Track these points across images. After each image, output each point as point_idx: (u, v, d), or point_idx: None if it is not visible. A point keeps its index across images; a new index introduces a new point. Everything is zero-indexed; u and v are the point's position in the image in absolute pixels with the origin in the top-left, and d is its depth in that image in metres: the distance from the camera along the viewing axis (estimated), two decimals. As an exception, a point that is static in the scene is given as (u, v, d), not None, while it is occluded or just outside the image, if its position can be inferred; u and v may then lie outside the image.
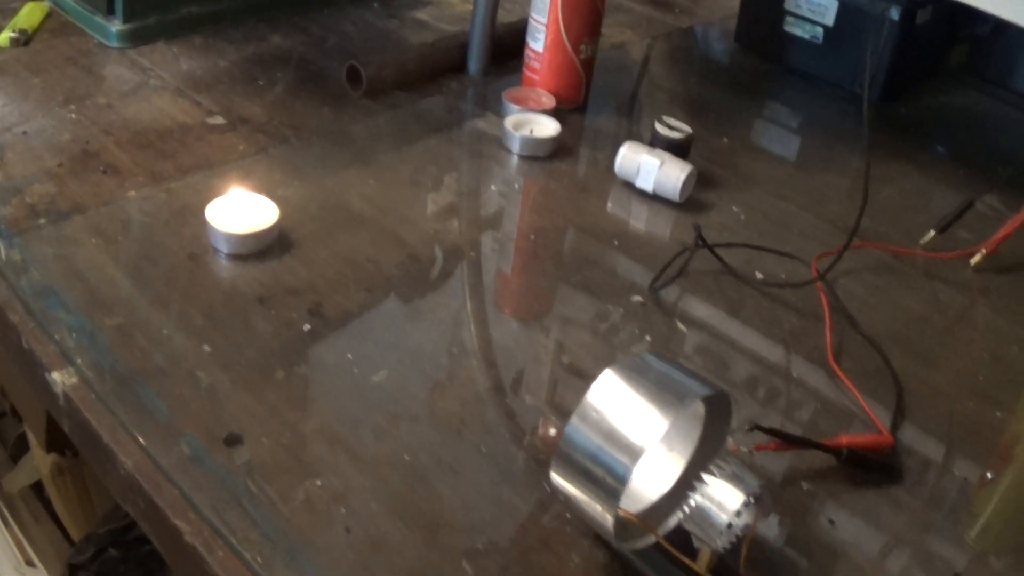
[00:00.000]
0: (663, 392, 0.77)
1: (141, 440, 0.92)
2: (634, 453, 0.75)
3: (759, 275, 1.25)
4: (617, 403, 0.78)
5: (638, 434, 0.75)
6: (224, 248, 1.15)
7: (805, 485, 0.97)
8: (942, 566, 0.92)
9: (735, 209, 1.39)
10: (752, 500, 0.76)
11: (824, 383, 1.11)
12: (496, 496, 0.92)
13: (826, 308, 1.19)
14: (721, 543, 0.77)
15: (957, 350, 1.19)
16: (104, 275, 1.10)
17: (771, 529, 0.92)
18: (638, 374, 0.79)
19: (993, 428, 1.08)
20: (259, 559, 0.83)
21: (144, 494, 0.88)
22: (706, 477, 0.77)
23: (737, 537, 0.77)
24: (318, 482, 0.90)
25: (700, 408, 0.83)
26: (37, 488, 2.00)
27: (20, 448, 2.00)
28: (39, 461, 1.80)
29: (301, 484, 0.90)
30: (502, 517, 0.90)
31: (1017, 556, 0.94)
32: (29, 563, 1.99)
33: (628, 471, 0.75)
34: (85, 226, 1.17)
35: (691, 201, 1.38)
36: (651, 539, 0.82)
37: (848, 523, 0.94)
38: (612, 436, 0.77)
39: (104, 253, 1.13)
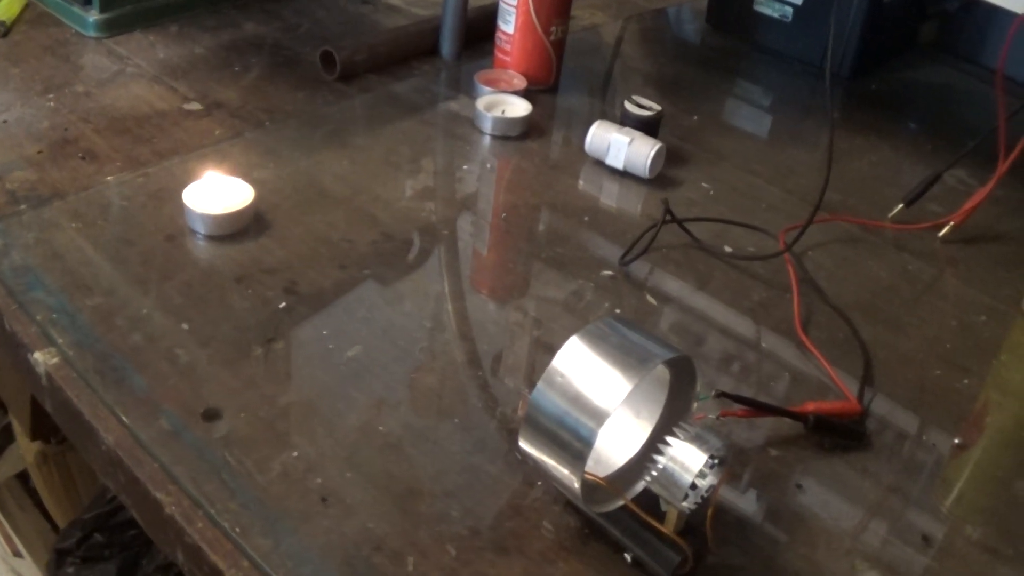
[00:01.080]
0: (627, 356, 0.79)
1: (121, 416, 0.93)
2: (599, 416, 0.77)
3: (728, 248, 1.27)
4: (582, 368, 0.80)
5: (602, 397, 0.77)
6: (201, 229, 1.17)
7: (773, 451, 0.99)
8: (910, 530, 0.94)
9: (704, 184, 1.41)
10: (716, 461, 0.78)
11: (793, 353, 1.13)
12: (469, 465, 0.94)
13: (793, 279, 1.21)
14: (687, 504, 0.79)
15: (925, 319, 1.21)
16: (84, 257, 1.11)
17: (740, 494, 0.94)
18: (602, 340, 0.81)
19: (961, 395, 1.10)
20: (238, 529, 0.85)
21: (125, 468, 0.90)
22: (670, 439, 0.79)
23: (703, 498, 0.79)
24: (294, 453, 0.92)
25: (666, 374, 0.84)
26: (22, 478, 2.01)
27: (5, 440, 2.00)
28: (24, 449, 1.82)
29: (278, 456, 0.92)
30: (475, 485, 0.92)
31: (991, 524, 0.96)
32: (16, 553, 2.02)
33: (593, 434, 0.77)
34: (65, 210, 1.19)
35: (661, 177, 1.40)
36: (619, 502, 0.84)
37: (816, 488, 0.97)
38: (577, 400, 0.79)
39: (83, 236, 1.15)
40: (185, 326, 1.04)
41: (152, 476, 0.89)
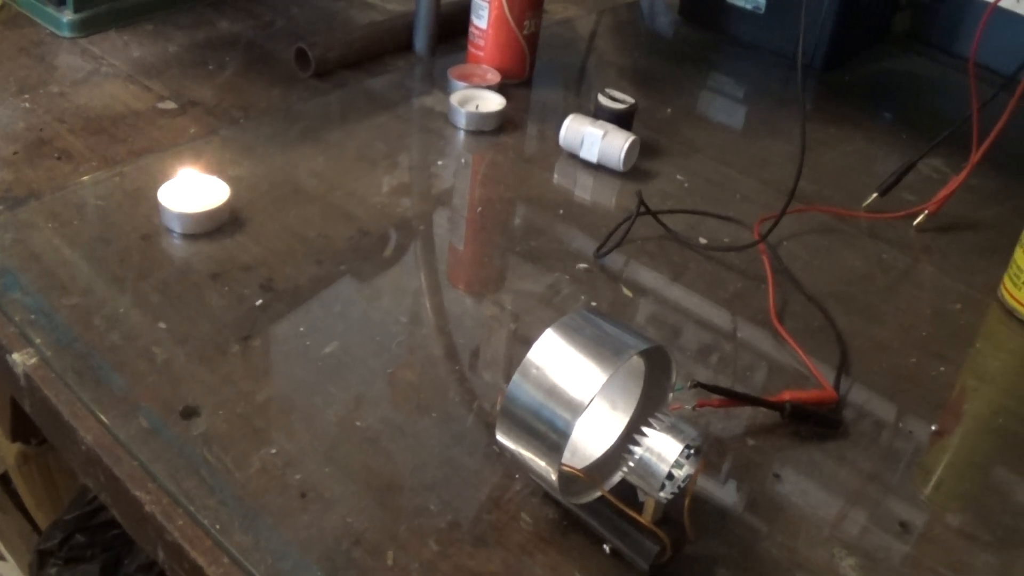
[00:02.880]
0: (602, 348, 0.80)
1: (100, 415, 0.94)
2: (575, 407, 0.77)
3: (702, 240, 1.27)
4: (557, 360, 0.80)
5: (578, 389, 0.78)
6: (177, 228, 1.17)
7: (750, 441, 1.00)
8: (888, 517, 0.95)
9: (679, 176, 1.42)
10: (692, 451, 0.78)
11: (769, 343, 1.13)
12: (447, 458, 0.94)
13: (768, 269, 1.22)
14: (664, 494, 0.79)
15: (900, 307, 1.22)
16: (60, 257, 1.12)
17: (718, 484, 0.94)
18: (577, 332, 0.82)
19: (938, 382, 1.11)
20: (217, 525, 0.85)
21: (104, 467, 0.90)
22: (646, 430, 0.79)
23: (680, 488, 0.79)
24: (273, 450, 0.92)
25: (641, 365, 0.85)
26: (3, 481, 2.00)
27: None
28: (4, 451, 1.81)
29: (256, 452, 0.92)
30: (454, 479, 0.93)
31: (970, 510, 0.97)
32: (0, 558, 1.99)
33: (569, 425, 0.77)
34: (41, 211, 1.19)
35: (635, 170, 1.41)
36: (597, 493, 0.84)
37: (794, 477, 0.97)
38: (553, 392, 0.79)
39: (60, 236, 1.15)
40: (162, 324, 1.04)
41: (131, 474, 0.89)
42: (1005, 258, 1.23)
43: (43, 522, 1.90)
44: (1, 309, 1.04)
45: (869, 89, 1.77)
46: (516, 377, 0.81)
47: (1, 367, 1.01)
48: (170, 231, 1.17)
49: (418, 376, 1.03)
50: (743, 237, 1.28)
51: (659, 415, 0.80)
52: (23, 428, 1.74)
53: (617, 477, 0.86)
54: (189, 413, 0.95)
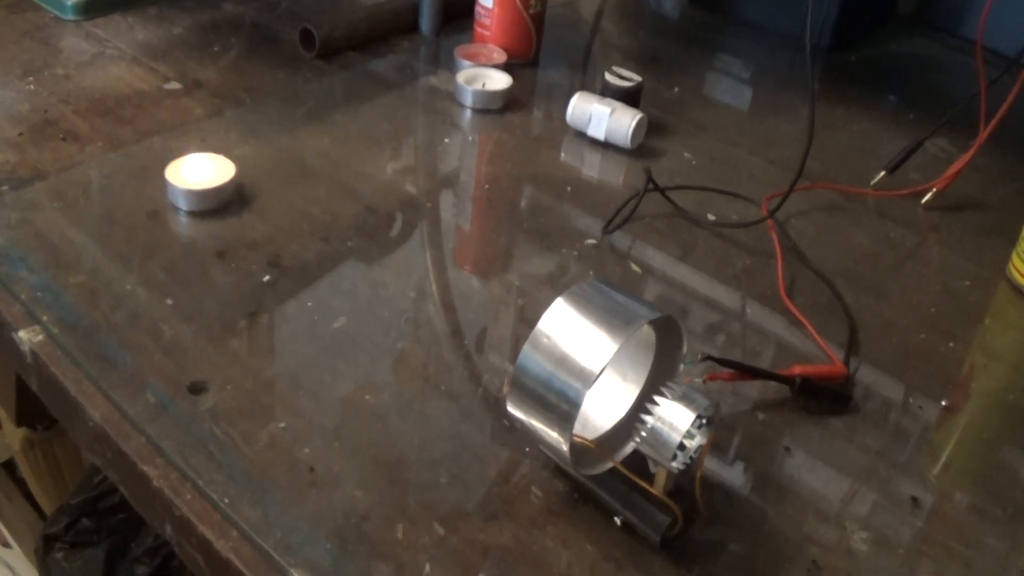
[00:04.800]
0: (612, 317, 0.79)
1: (107, 392, 0.93)
2: (586, 377, 0.77)
3: (711, 216, 1.27)
4: (568, 330, 0.80)
5: (589, 358, 0.77)
6: (183, 205, 1.17)
7: (761, 415, 1.00)
8: (899, 493, 0.94)
9: (686, 155, 1.41)
10: (703, 421, 0.78)
11: (777, 319, 1.13)
12: (456, 434, 0.94)
13: (777, 245, 1.21)
14: (675, 464, 0.78)
15: (908, 285, 1.21)
16: (66, 236, 1.11)
17: (728, 458, 0.94)
18: (588, 301, 0.81)
19: (947, 359, 1.11)
20: (226, 499, 0.84)
21: (112, 444, 0.90)
22: (658, 399, 0.79)
23: (691, 459, 0.79)
24: (281, 424, 0.92)
25: (652, 336, 0.84)
26: (8, 468, 2.00)
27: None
28: (10, 437, 1.81)
29: (265, 427, 0.92)
30: (463, 454, 0.92)
31: (979, 487, 0.96)
32: (4, 544, 2.02)
33: (580, 395, 0.77)
34: (46, 191, 1.19)
35: (642, 148, 1.40)
36: (608, 465, 0.84)
37: (804, 452, 0.97)
38: (564, 362, 0.78)
39: (66, 216, 1.15)
40: (169, 301, 1.04)
41: (139, 450, 0.88)
42: (1012, 237, 1.23)
43: (48, 508, 1.90)
44: (7, 288, 1.03)
45: (875, 71, 1.76)
46: (526, 347, 0.80)
47: (8, 346, 1.01)
48: (176, 209, 1.17)
49: (426, 352, 1.02)
50: (751, 214, 1.27)
51: (671, 384, 0.79)
52: (29, 412, 1.74)
53: (628, 449, 0.85)
54: (197, 389, 0.94)
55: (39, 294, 1.03)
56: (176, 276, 1.08)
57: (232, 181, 1.18)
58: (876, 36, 1.88)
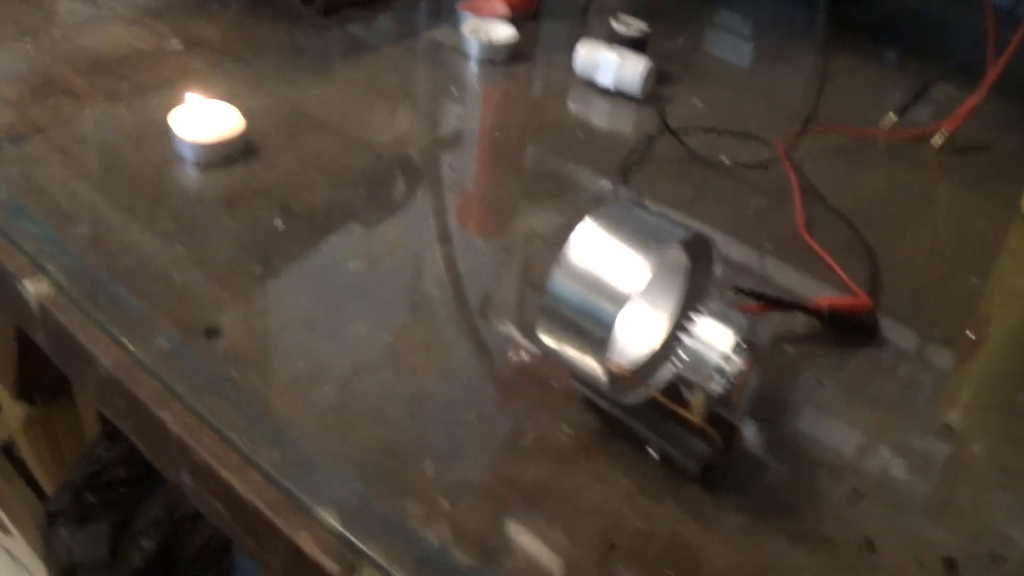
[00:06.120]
0: (644, 237, 0.76)
1: (118, 338, 0.91)
2: (619, 299, 0.74)
3: (724, 159, 1.24)
4: (598, 251, 0.77)
5: (622, 280, 0.74)
6: (190, 157, 1.15)
7: (790, 348, 0.98)
8: (932, 420, 0.93)
9: (695, 101, 1.40)
10: (741, 343, 0.75)
11: (797, 256, 1.11)
12: (479, 369, 0.93)
13: (794, 181, 1.19)
14: (715, 386, 0.76)
15: (924, 225, 1.20)
16: (69, 189, 1.09)
17: (762, 390, 0.91)
18: (616, 221, 0.78)
19: (966, 294, 1.10)
20: (247, 441, 0.82)
21: (125, 391, 0.87)
22: (695, 316, 0.76)
23: (730, 384, 0.76)
24: (299, 365, 0.90)
25: (681, 260, 0.82)
26: (7, 453, 1.97)
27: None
28: (9, 414, 1.78)
29: (282, 368, 0.90)
30: (487, 390, 0.91)
31: (1011, 416, 0.95)
32: (5, 531, 1.99)
33: (614, 317, 0.74)
34: (47, 145, 1.16)
35: (651, 96, 1.38)
36: (644, 395, 0.81)
37: (836, 383, 0.95)
38: (596, 285, 0.76)
39: (68, 169, 1.12)
40: (179, 248, 1.02)
41: (153, 395, 0.86)
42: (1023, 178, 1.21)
43: (49, 489, 1.87)
44: (11, 240, 1.00)
45: (878, 24, 1.74)
46: (555, 273, 0.77)
47: (13, 300, 0.98)
48: (182, 160, 1.14)
49: (442, 292, 1.00)
50: (764, 157, 1.25)
51: (708, 303, 0.76)
52: (29, 385, 1.71)
53: (663, 378, 0.83)
54: (211, 333, 0.92)
55: (43, 246, 1.00)
56: (184, 224, 1.05)
57: (239, 131, 1.16)
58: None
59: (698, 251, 0.81)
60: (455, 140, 1.27)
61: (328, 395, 0.87)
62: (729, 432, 0.80)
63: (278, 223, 1.06)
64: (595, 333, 0.75)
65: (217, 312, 0.95)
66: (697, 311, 0.76)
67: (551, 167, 1.22)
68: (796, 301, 0.98)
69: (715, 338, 0.75)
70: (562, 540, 0.77)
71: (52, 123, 1.20)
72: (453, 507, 0.79)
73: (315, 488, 0.79)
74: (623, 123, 1.34)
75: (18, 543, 1.98)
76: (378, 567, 0.74)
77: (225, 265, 1.00)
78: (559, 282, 0.77)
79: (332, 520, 0.76)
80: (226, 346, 0.91)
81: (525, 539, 0.77)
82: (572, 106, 1.37)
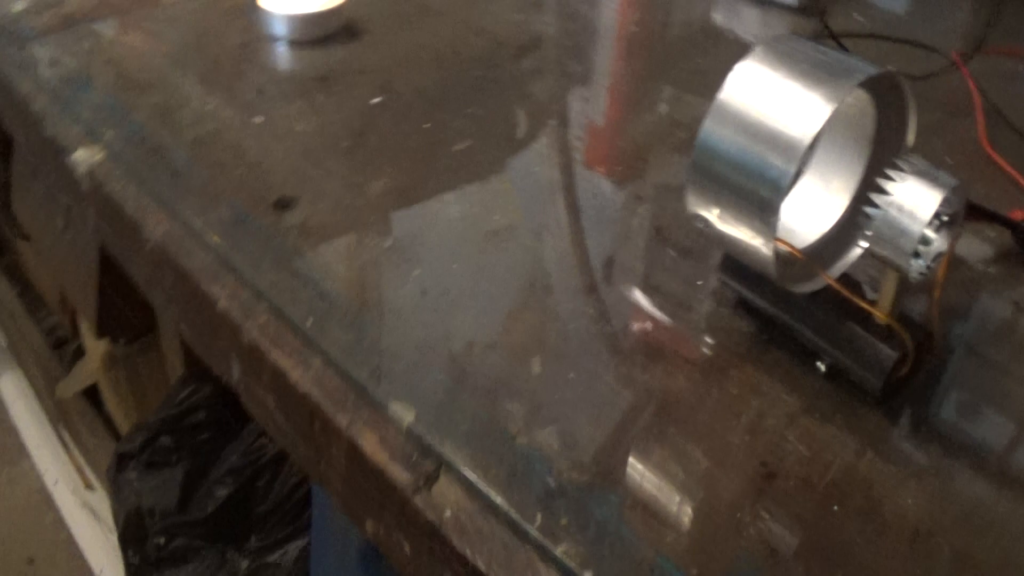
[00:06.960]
0: (818, 73, 0.59)
1: (173, 206, 0.79)
2: (791, 150, 0.56)
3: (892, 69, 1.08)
4: (762, 93, 0.59)
5: (794, 124, 0.57)
6: (282, 32, 1.04)
7: (980, 267, 0.80)
8: None
9: (855, 15, 1.24)
10: (943, 219, 0.57)
11: (979, 171, 0.94)
12: (608, 259, 0.78)
13: (975, 92, 1.04)
14: (916, 265, 0.58)
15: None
16: (143, 63, 0.99)
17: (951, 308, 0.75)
18: (785, 57, 0.61)
19: None
20: (311, 320, 0.68)
21: (172, 264, 0.76)
22: (892, 173, 0.58)
23: (930, 267, 0.58)
24: (388, 242, 0.76)
25: (866, 117, 0.64)
26: (91, 397, 1.87)
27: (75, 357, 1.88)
28: (91, 354, 1.71)
29: (365, 245, 0.76)
30: (611, 278, 0.76)
31: None
32: (88, 486, 1.92)
33: (786, 175, 0.57)
34: (125, 23, 1.07)
35: (806, 7, 1.23)
36: (818, 283, 0.64)
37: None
38: (760, 134, 0.58)
39: (144, 44, 1.03)
40: (258, 119, 0.90)
41: (204, 267, 0.74)
42: None
43: (128, 434, 1.75)
44: (67, 111, 0.91)
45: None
46: (707, 123, 0.60)
47: (64, 179, 0.88)
48: (274, 38, 1.04)
49: (551, 171, 0.87)
50: (934, 68, 1.09)
51: (906, 158, 0.58)
52: (111, 321, 1.60)
53: (841, 266, 0.65)
54: (284, 204, 0.79)
55: (104, 114, 0.90)
56: (268, 97, 0.94)
57: (340, 7, 1.05)
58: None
59: (886, 100, 0.63)
60: (586, 31, 1.15)
61: (421, 277, 0.73)
62: (921, 340, 0.61)
63: (377, 99, 0.94)
64: (761, 194, 0.57)
65: (294, 185, 0.82)
66: (897, 168, 0.58)
67: (696, 64, 1.09)
68: (992, 210, 0.81)
69: (918, 201, 0.57)
70: (705, 463, 0.61)
71: (133, 6, 1.11)
72: (563, 412, 0.63)
73: (391, 377, 0.64)
74: (779, 31, 1.19)
75: (102, 500, 1.88)
76: (460, 478, 0.59)
77: (311, 138, 0.89)
78: (713, 131, 0.59)
79: (407, 417, 0.62)
80: (301, 217, 0.78)
81: (654, 457, 0.61)
82: (718, 18, 1.23)
